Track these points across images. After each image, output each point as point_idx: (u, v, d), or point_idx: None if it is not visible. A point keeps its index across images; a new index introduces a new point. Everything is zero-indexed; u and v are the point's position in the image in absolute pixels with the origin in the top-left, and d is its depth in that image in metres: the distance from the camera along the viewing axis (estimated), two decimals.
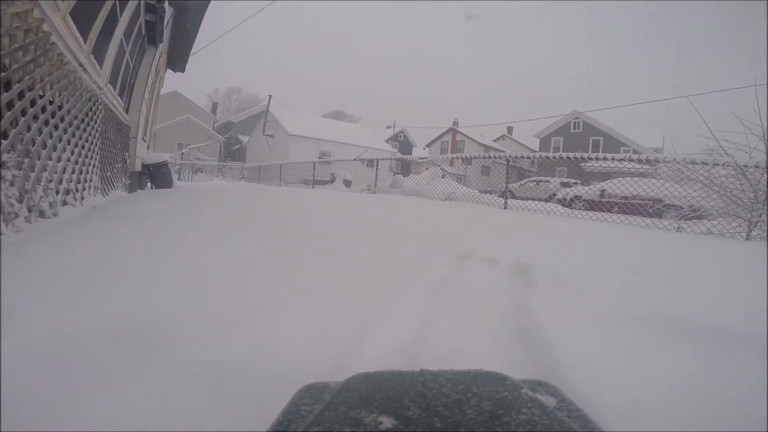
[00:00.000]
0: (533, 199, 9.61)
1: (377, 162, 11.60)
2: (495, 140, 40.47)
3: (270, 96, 26.43)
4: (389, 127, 40.60)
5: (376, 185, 11.73)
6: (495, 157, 10.73)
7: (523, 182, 17.41)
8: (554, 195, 11.84)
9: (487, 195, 8.90)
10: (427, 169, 14.36)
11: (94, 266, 1.77)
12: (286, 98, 41.25)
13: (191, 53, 9.49)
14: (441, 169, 18.62)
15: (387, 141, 36.18)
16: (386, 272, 1.97)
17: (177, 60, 9.33)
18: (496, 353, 1.27)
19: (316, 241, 2.52)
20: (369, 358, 1.18)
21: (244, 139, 31.22)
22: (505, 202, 7.30)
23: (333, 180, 16.55)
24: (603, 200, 8.53)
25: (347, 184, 16.17)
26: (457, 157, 17.41)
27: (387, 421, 0.41)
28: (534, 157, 10.71)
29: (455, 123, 38.39)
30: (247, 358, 1.16)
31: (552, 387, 0.59)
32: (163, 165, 7.43)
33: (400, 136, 41.17)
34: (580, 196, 10.18)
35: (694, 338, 1.30)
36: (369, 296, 1.65)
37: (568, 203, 10.27)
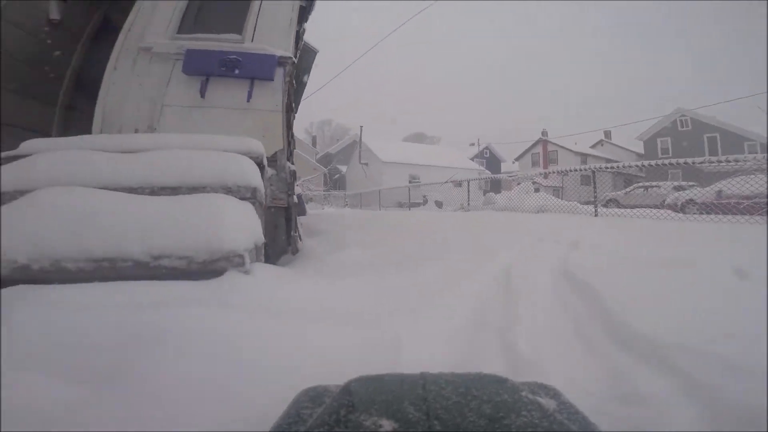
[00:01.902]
0: (640, 207, 9.41)
1: (468, 183, 12.51)
2: (592, 146, 37.77)
3: (361, 127, 29.43)
4: (473, 144, 40.89)
5: (469, 204, 12.59)
6: (581, 169, 10.85)
7: (629, 189, 16.27)
8: (664, 201, 11.16)
9: (587, 206, 9.02)
10: (518, 184, 14.79)
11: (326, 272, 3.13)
12: (368, 123, 44.68)
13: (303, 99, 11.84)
14: (533, 182, 18.66)
15: (472, 158, 36.54)
16: (502, 246, 3.02)
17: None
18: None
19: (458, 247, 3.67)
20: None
21: (343, 168, 34.66)
22: (596, 211, 7.68)
23: (425, 202, 17.82)
24: (721, 202, 7.77)
25: (439, 204, 17.26)
26: (548, 172, 17.29)
27: (387, 424, 0.41)
28: (618, 166, 10.54)
29: (544, 133, 36.96)
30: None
31: (552, 389, 0.60)
32: (299, 197, 9.59)
33: (486, 153, 41.06)
34: (693, 200, 9.54)
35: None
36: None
37: (680, 208, 9.59)
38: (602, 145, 37.45)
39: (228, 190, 1.72)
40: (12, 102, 3.92)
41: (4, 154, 2.11)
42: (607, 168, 10.91)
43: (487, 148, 41.67)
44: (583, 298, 1.92)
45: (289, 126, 3.32)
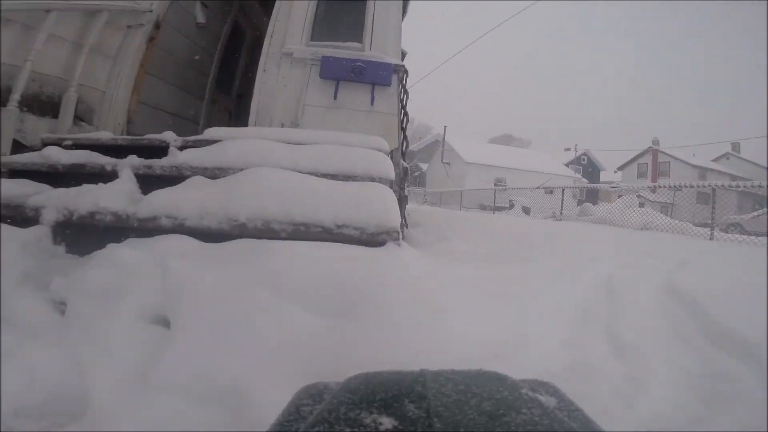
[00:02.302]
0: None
1: (563, 190, 11.91)
2: (715, 159, 32.62)
3: (445, 126, 29.39)
4: (568, 149, 38.00)
5: (561, 213, 12.00)
6: (699, 185, 9.66)
7: (757, 213, 14.40)
8: None
9: (702, 228, 8.07)
10: (620, 196, 13.63)
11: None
12: (453, 123, 44.15)
13: None
14: (638, 196, 17.00)
15: (568, 164, 34.04)
16: (604, 256, 3.04)
17: None
18: None
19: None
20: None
21: (423, 166, 35.06)
22: (711, 234, 6.94)
23: (511, 206, 17.28)
24: None
25: (526, 210, 16.61)
26: (657, 186, 15.50)
27: (387, 422, 0.42)
28: (747, 185, 9.09)
29: (655, 142, 32.81)
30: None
31: (552, 387, 0.60)
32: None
33: (583, 159, 37.88)
34: None
35: None
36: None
37: None
38: (728, 158, 32.16)
39: (372, 180, 2.16)
40: (175, 96, 4.96)
41: (192, 138, 2.85)
42: (731, 186, 9.58)
43: (584, 154, 38.43)
44: (692, 316, 1.95)
45: (401, 127, 3.71)
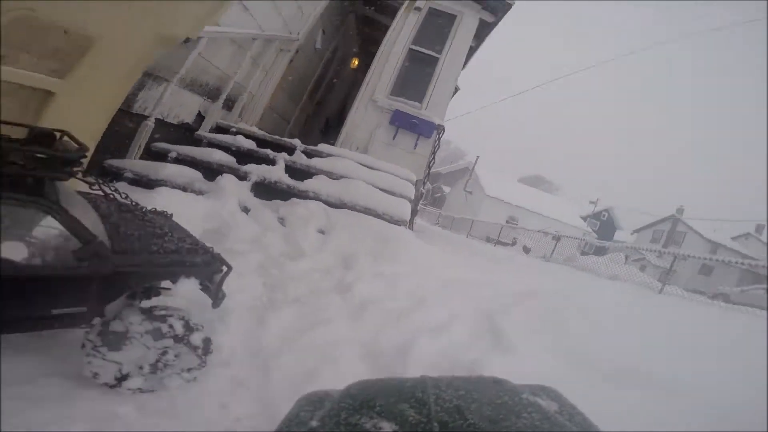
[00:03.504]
0: (752, 306, 9.51)
1: (558, 238, 13.91)
2: (734, 238, 33.53)
3: (477, 157, 31.61)
4: (592, 203, 39.50)
5: (552, 256, 13.95)
6: (698, 257, 11.11)
7: (747, 288, 15.84)
8: None
9: (694, 294, 9.47)
10: (626, 256, 15.60)
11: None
12: (489, 154, 46.18)
13: None
14: (644, 258, 18.56)
15: (586, 217, 35.58)
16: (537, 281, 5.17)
17: None
18: None
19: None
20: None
21: (446, 189, 37.20)
22: (661, 289, 8.68)
23: (514, 243, 19.19)
24: None
25: (526, 250, 18.51)
26: (654, 250, 17.16)
27: (387, 427, 0.43)
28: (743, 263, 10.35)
29: (679, 210, 34.00)
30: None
31: (553, 391, 0.64)
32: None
33: (604, 215, 39.36)
34: None
35: None
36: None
37: None
38: (746, 238, 33.06)
39: (402, 197, 4.45)
40: (285, 101, 7.37)
41: (311, 147, 5.18)
42: (729, 261, 10.51)
43: (606, 210, 39.89)
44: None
45: (428, 166, 5.96)
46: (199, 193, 3.71)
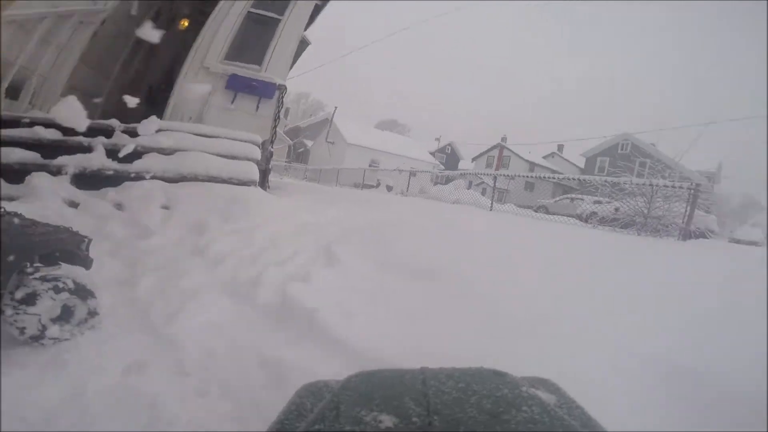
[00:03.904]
0: (563, 215, 11.80)
1: (410, 173, 15.79)
2: (544, 157, 42.44)
3: (335, 107, 31.98)
4: (437, 139, 44.49)
5: (408, 191, 15.87)
6: (524, 176, 13.91)
7: (557, 199, 19.44)
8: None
9: (525, 209, 11.42)
10: (454, 180, 18.33)
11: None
12: (344, 104, 46.84)
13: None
14: (482, 182, 22.16)
15: (434, 153, 40.12)
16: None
17: None
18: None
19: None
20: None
21: (309, 143, 36.90)
22: (491, 206, 10.98)
23: (378, 185, 20.87)
24: (616, 216, 8.92)
25: (389, 188, 20.40)
26: (488, 174, 20.75)
27: (387, 419, 0.44)
28: (555, 178, 13.36)
29: (503, 139, 41.00)
30: None
31: (552, 384, 0.64)
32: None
33: (448, 149, 44.90)
34: (596, 213, 10.92)
35: None
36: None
37: (585, 219, 10.99)
38: (553, 157, 42.30)
39: (248, 159, 4.71)
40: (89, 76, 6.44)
41: (132, 125, 4.85)
42: (546, 177, 13.20)
43: (449, 144, 45.53)
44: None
45: (275, 125, 6.19)
46: (9, 199, 3.32)
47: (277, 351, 2.06)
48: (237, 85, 5.77)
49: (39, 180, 3.54)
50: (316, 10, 7.03)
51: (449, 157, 43.93)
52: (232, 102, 5.76)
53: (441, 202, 12.07)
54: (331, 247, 3.15)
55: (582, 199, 16.53)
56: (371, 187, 21.22)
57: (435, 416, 0.44)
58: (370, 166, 25.97)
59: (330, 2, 7.35)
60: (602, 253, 3.98)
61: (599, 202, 12.83)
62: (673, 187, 6.59)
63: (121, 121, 4.85)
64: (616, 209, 8.94)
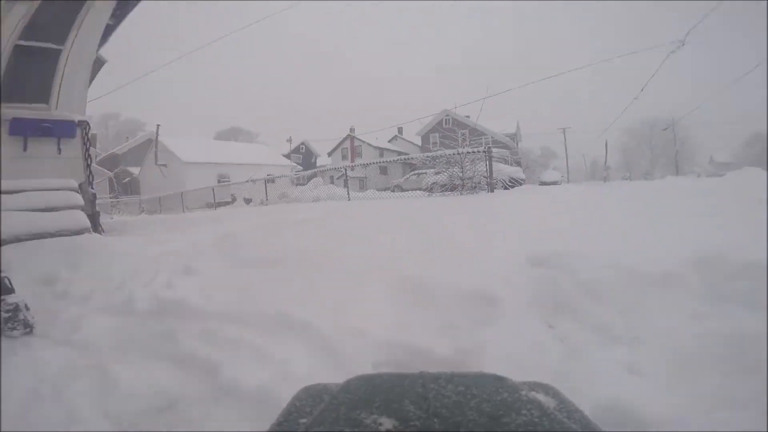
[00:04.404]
0: (414, 190, 12.70)
1: (266, 181, 15.57)
2: (389, 140, 46.35)
3: (158, 125, 28.48)
4: (288, 140, 44.10)
5: (267, 199, 15.64)
6: (377, 162, 14.97)
7: (407, 176, 21.08)
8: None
9: (384, 192, 12.42)
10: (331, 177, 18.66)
11: None
12: (174, 118, 42.03)
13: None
14: (330, 176, 22.81)
15: (289, 154, 39.71)
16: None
17: None
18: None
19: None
20: None
21: (134, 170, 32.18)
22: (348, 196, 11.81)
23: (234, 200, 19.83)
24: (446, 182, 9.93)
25: (247, 201, 19.58)
26: (351, 165, 21.71)
27: (387, 423, 0.43)
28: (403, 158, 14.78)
29: (351, 130, 43.13)
30: None
31: (552, 389, 0.63)
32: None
33: (302, 148, 44.96)
34: (437, 182, 11.40)
35: None
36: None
37: (429, 189, 11.83)
38: (396, 139, 46.49)
39: (70, 207, 4.22)
40: None
41: None
42: (397, 160, 14.17)
43: (303, 143, 45.61)
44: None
45: (88, 164, 5.55)
46: None
47: None
48: (24, 130, 4.94)
49: None
50: (109, 30, 6.40)
51: (305, 156, 44.15)
52: (25, 149, 4.94)
53: (301, 203, 12.43)
54: (189, 263, 3.25)
55: (425, 173, 17.21)
56: (227, 203, 20.06)
57: (435, 419, 0.45)
58: (219, 182, 24.34)
59: (127, 17, 6.76)
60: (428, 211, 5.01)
61: (439, 173, 13.44)
62: (472, 152, 8.43)
63: None
64: (450, 176, 9.97)
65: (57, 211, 4.17)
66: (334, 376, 1.61)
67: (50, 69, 5.21)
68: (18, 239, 3.63)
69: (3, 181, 4.25)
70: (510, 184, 11.18)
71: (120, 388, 1.97)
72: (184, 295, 2.71)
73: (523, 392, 0.52)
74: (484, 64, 75.93)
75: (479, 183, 8.39)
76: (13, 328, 2.50)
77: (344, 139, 43.26)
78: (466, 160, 8.66)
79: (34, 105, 5.13)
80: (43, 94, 5.21)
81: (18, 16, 4.96)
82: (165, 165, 26.83)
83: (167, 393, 1.94)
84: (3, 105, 4.86)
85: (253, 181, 16.80)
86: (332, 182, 19.74)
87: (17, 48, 4.96)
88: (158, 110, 53.73)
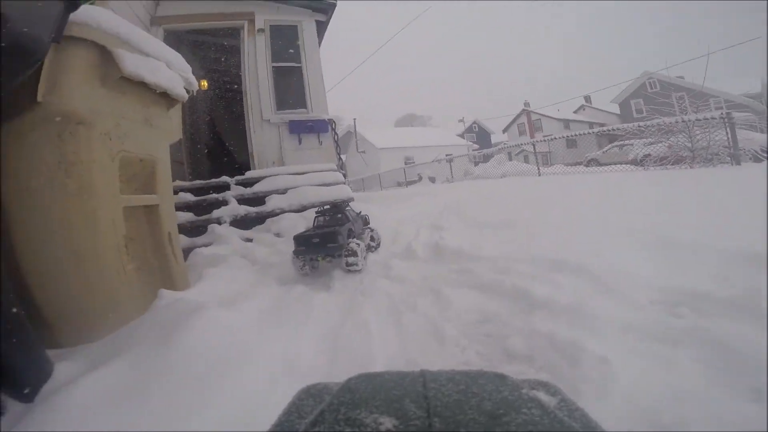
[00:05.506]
0: (616, 164, 10.99)
1: (451, 160, 16.36)
2: (575, 111, 41.06)
3: (354, 119, 33.11)
4: (461, 120, 44.29)
5: (452, 177, 16.42)
6: (563, 136, 14.15)
7: (606, 149, 19.10)
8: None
9: (572, 167, 11.36)
10: (511, 153, 18.36)
11: None
12: (360, 113, 47.77)
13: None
14: (524, 151, 21.92)
15: (463, 134, 40.09)
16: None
17: None
18: None
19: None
20: None
21: (342, 157, 38.31)
22: (539, 172, 11.32)
23: (420, 179, 21.49)
24: (671, 154, 8.68)
25: (432, 180, 20.95)
26: (534, 142, 20.71)
27: (387, 421, 0.44)
28: (600, 131, 13.33)
29: (526, 104, 40.13)
30: None
31: (553, 387, 0.62)
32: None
33: (475, 128, 44.52)
34: (650, 154, 10.15)
35: None
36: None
37: (640, 162, 10.40)
38: (584, 109, 40.70)
39: (338, 183, 5.69)
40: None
41: (241, 177, 5.97)
42: (588, 133, 13.04)
43: (475, 123, 45.14)
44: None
45: (338, 153, 7.14)
46: (205, 245, 4.48)
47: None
48: (298, 128, 6.77)
49: (217, 229, 4.72)
50: (321, 27, 7.71)
51: (479, 134, 43.60)
52: (300, 143, 6.78)
53: (489, 180, 12.57)
54: (438, 221, 4.17)
55: (632, 144, 15.13)
56: (414, 182, 21.95)
57: (435, 418, 0.45)
58: (406, 163, 26.75)
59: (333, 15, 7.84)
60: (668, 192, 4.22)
61: (652, 144, 11.45)
62: (703, 119, 6.80)
63: (209, 177, 6.01)
64: (669, 146, 8.66)
65: (330, 186, 5.61)
66: (623, 313, 1.91)
67: (299, 81, 6.95)
68: (312, 206, 5.13)
69: (295, 166, 6.00)
70: (763, 155, 8.58)
71: (453, 305, 2.47)
72: (458, 244, 3.37)
73: (524, 390, 0.51)
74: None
75: (716, 154, 6.78)
76: (376, 248, 4.06)
77: (519, 115, 40.61)
78: (696, 128, 7.09)
79: (298, 110, 6.90)
80: (300, 102, 6.95)
81: (262, 45, 6.83)
82: (364, 152, 31.13)
83: (484, 310, 2.36)
84: (281, 112, 6.76)
85: (438, 161, 17.80)
86: (510, 159, 19.05)
87: (275, 69, 6.87)
88: (350, 105, 61.88)
